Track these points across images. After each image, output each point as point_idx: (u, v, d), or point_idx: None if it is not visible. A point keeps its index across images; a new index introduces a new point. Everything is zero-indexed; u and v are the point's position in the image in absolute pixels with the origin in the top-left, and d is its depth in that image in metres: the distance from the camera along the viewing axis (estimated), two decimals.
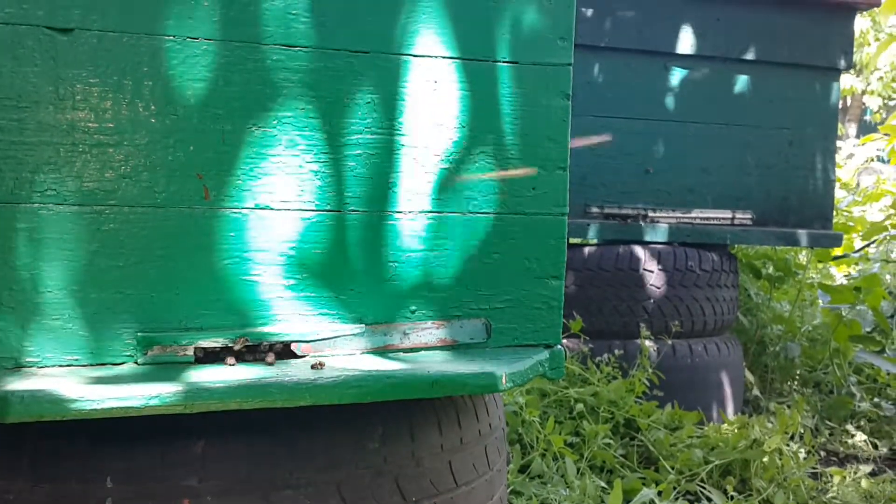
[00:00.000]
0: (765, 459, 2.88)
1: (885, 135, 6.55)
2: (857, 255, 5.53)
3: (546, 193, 1.48)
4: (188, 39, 1.28)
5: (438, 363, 1.36)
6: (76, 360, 1.25)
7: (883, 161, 9.63)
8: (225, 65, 1.30)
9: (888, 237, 5.34)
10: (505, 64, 1.44)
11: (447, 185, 1.43)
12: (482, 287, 1.46)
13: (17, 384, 1.13)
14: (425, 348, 1.43)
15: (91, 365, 1.26)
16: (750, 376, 4.06)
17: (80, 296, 1.25)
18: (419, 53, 1.40)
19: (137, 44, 1.26)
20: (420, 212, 1.42)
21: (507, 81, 1.45)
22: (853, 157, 9.26)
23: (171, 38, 1.27)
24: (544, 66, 1.46)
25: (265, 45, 1.32)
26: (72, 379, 1.18)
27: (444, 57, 1.41)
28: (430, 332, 1.43)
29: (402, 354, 1.41)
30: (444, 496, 1.41)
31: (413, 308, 1.42)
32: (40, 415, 1.10)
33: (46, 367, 1.24)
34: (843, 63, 3.87)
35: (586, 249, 3.61)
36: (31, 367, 1.23)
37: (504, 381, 1.32)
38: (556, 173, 1.48)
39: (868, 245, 5.54)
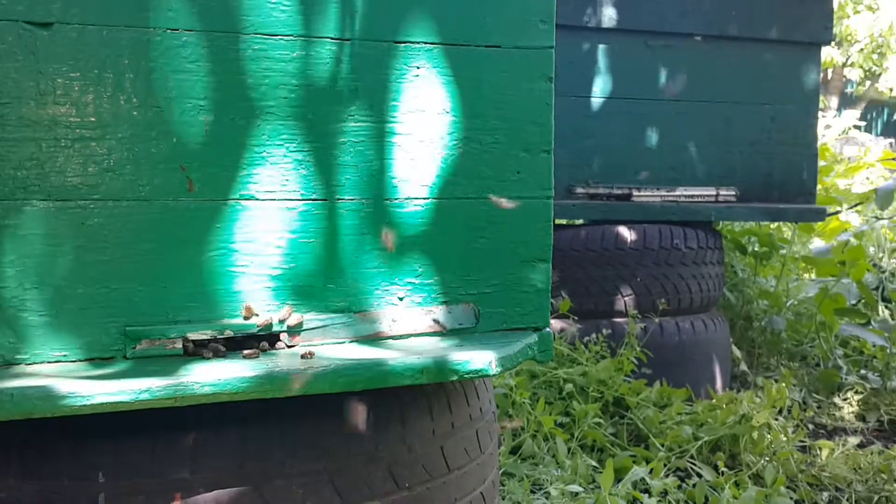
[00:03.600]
0: (754, 434, 2.91)
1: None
2: (849, 209, 5.50)
3: (531, 177, 1.48)
4: (168, 31, 1.27)
5: (428, 350, 1.36)
6: (64, 356, 1.25)
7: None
8: (206, 55, 1.29)
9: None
10: (487, 48, 1.44)
11: (432, 171, 1.43)
12: (470, 272, 1.46)
13: (5, 381, 1.13)
14: (414, 335, 1.43)
15: (80, 360, 1.26)
16: (737, 352, 4.09)
17: (67, 291, 1.25)
18: (401, 40, 1.40)
19: (118, 36, 1.25)
20: (405, 198, 1.41)
21: (489, 66, 1.44)
22: (830, 128, 9.31)
23: (152, 29, 1.27)
24: (526, 49, 1.46)
25: (246, 35, 1.31)
26: (61, 375, 1.18)
27: (426, 43, 1.41)
28: (418, 318, 1.43)
29: (391, 342, 1.41)
30: (437, 481, 1.42)
31: (401, 295, 1.43)
32: (30, 412, 1.10)
33: (35, 363, 1.23)
34: (823, 37, 3.88)
35: (571, 230, 3.62)
36: (19, 363, 1.23)
37: (493, 365, 1.32)
38: (541, 156, 1.48)
39: (855, 206, 5.53)
